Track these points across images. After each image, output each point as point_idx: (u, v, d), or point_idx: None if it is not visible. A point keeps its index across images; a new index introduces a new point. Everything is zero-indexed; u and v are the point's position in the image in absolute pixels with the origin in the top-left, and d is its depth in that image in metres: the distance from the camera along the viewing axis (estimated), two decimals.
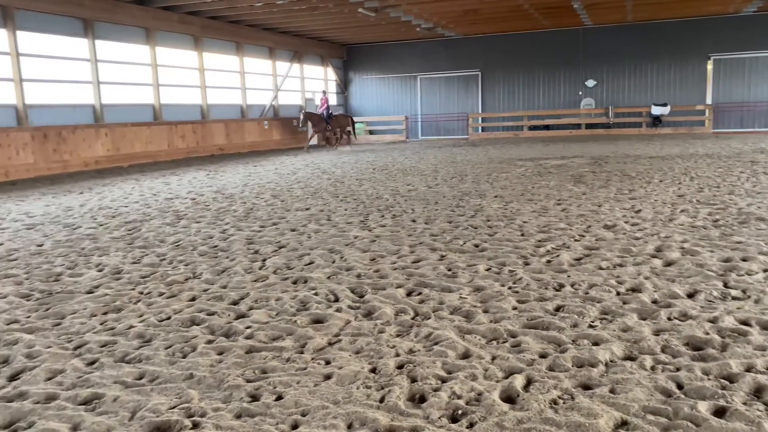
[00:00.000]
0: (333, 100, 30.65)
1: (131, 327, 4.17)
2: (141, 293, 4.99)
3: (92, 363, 3.58)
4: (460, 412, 2.81)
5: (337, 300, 4.59)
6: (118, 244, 6.97)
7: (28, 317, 4.48)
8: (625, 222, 7.13)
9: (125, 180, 14.29)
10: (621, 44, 26.78)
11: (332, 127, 24.62)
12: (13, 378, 3.43)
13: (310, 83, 28.64)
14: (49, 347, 3.84)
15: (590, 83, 27.65)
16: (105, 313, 4.51)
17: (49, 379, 3.38)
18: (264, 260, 5.92)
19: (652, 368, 3.19)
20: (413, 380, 3.16)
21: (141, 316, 4.39)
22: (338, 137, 25.09)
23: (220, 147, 22.24)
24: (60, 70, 16.46)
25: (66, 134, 16.16)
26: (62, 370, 3.47)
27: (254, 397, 3.05)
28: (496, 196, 9.53)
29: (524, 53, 28.19)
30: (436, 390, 3.02)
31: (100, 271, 5.78)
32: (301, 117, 23.72)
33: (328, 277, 5.21)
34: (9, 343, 3.96)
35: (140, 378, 3.36)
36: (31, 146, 15.22)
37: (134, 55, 18.83)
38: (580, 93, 27.88)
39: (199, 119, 21.42)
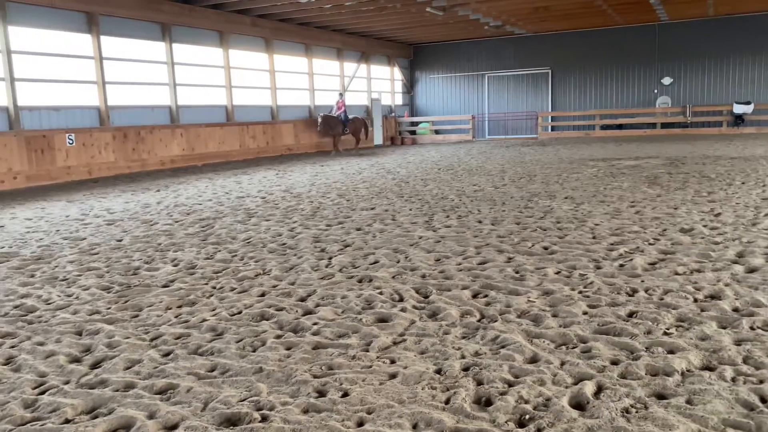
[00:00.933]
0: (398, 99, 30.72)
1: (204, 320, 4.31)
2: (213, 288, 5.15)
3: (167, 354, 3.72)
4: (527, 416, 2.76)
5: (401, 300, 4.59)
6: (193, 240, 7.23)
7: (109, 309, 4.71)
8: (704, 226, 6.82)
9: (199, 178, 14.80)
10: (700, 40, 25.61)
11: (350, 130, 23.27)
12: (94, 366, 3.62)
13: (376, 83, 28.83)
14: (128, 338, 4.02)
15: (666, 81, 26.58)
16: (179, 307, 4.68)
17: (128, 368, 3.54)
18: (330, 258, 6.00)
19: (733, 379, 3.04)
20: (479, 383, 3.13)
21: (213, 310, 4.53)
22: (356, 140, 23.95)
23: (289, 147, 22.71)
24: (139, 73, 17.21)
25: (144, 134, 16.89)
26: (139, 360, 3.62)
27: (321, 393, 3.10)
28: (566, 198, 9.31)
29: (597, 50, 27.40)
30: (502, 394, 2.98)
31: (175, 265, 6.01)
32: (319, 120, 22.28)
33: (393, 277, 5.22)
34: (91, 332, 4.17)
35: (212, 370, 3.47)
36: (112, 146, 16.00)
37: (208, 58, 19.48)
38: (656, 91, 26.84)
39: (269, 120, 21.94)
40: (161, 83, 17.77)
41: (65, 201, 11.27)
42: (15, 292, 5.24)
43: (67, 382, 3.36)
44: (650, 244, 6.05)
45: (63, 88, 15.15)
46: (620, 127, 27.30)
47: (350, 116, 23.45)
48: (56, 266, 6.16)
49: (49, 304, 4.89)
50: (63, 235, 7.83)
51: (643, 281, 4.76)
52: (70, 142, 14.90)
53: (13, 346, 3.96)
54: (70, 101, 15.24)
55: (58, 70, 15.05)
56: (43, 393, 3.25)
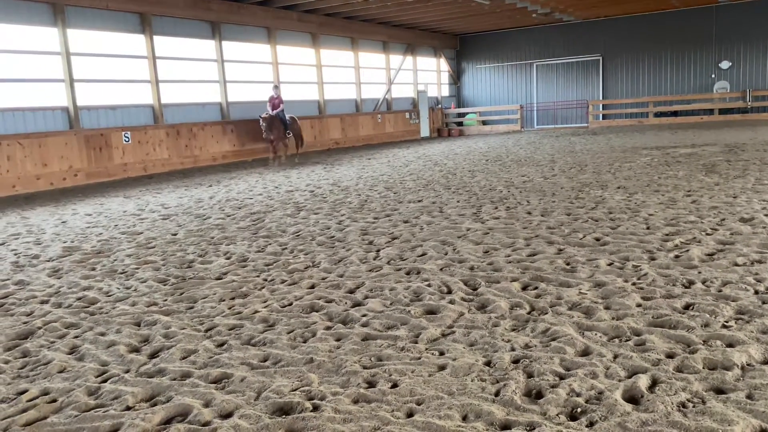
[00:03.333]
0: (445, 91, 30.49)
1: (256, 312, 4.40)
2: (265, 280, 5.26)
3: (221, 345, 3.82)
4: (579, 410, 2.72)
5: (450, 292, 4.58)
6: (244, 233, 7.38)
7: (165, 300, 4.86)
8: (765, 215, 6.55)
9: (249, 173, 15.08)
10: (760, 20, 24.49)
11: (292, 133, 18.04)
12: (153, 356, 3.75)
13: (422, 75, 28.71)
14: (183, 329, 4.15)
15: (725, 65, 25.55)
16: (232, 298, 4.79)
17: (184, 358, 3.65)
18: (378, 251, 6.03)
19: None
20: (529, 375, 3.10)
21: (265, 302, 4.63)
22: (298, 144, 18.56)
23: (336, 141, 22.88)
24: (191, 71, 17.63)
25: (196, 131, 17.31)
26: (195, 350, 3.73)
27: (370, 384, 3.13)
28: (618, 188, 9.08)
29: (650, 36, 26.54)
30: (553, 386, 2.94)
31: (227, 258, 6.16)
32: (263, 124, 17.06)
33: (441, 269, 5.21)
34: (149, 323, 4.32)
35: (265, 360, 3.55)
36: (165, 143, 16.46)
37: (257, 55, 19.78)
38: (713, 76, 25.84)
39: (316, 114, 22.14)
40: (212, 81, 18.15)
41: (122, 197, 11.66)
42: (77, 285, 5.47)
43: (127, 371, 3.50)
44: (708, 234, 5.86)
45: (119, 88, 15.66)
46: (675, 114, 26.41)
47: (287, 116, 17.96)
48: (115, 260, 6.40)
49: (109, 296, 5.08)
50: (121, 230, 8.11)
51: (700, 272, 4.62)
52: (126, 139, 15.41)
53: (76, 336, 4.14)
54: (125, 100, 15.75)
55: (114, 71, 15.55)
56: (105, 381, 3.39)
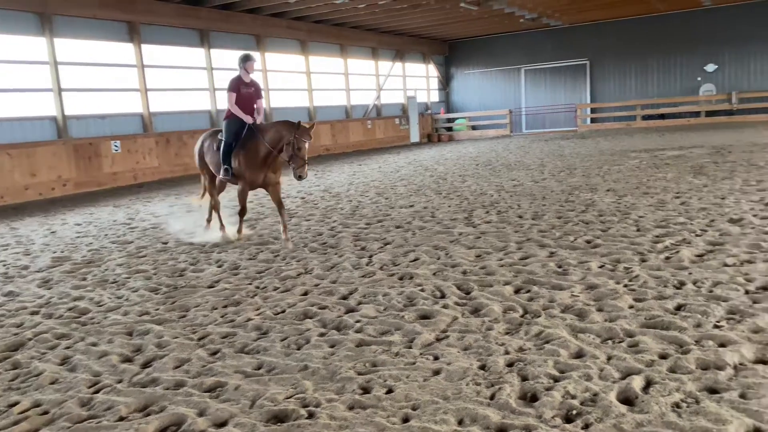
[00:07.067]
0: (434, 97, 30.58)
1: (249, 320, 4.39)
2: (257, 288, 5.24)
3: (215, 353, 3.80)
4: (574, 412, 2.73)
5: (443, 296, 4.59)
6: (236, 241, 7.34)
7: (157, 309, 4.83)
8: (754, 215, 6.61)
9: None
10: (744, 24, 24.75)
11: None
12: (145, 365, 3.72)
13: (411, 81, 28.77)
14: (176, 338, 4.12)
15: (710, 68, 25.79)
16: (225, 306, 4.77)
17: (177, 367, 3.63)
18: (371, 256, 6.03)
19: None
20: (524, 378, 3.10)
21: (258, 310, 4.61)
22: None
23: (327, 147, 22.86)
24: (180, 79, 17.57)
25: (186, 139, 17.23)
26: (188, 359, 3.71)
27: (366, 390, 3.12)
28: (608, 190, 9.13)
29: (637, 39, 26.75)
30: (548, 389, 2.95)
31: (219, 266, 6.13)
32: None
33: (434, 274, 5.22)
34: (141, 333, 4.29)
35: (259, 368, 3.53)
36: (155, 151, 16.39)
37: None
38: (699, 78, 26.06)
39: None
40: (201, 88, 18.11)
41: (112, 206, 11.60)
42: (68, 295, 5.42)
43: (120, 381, 3.47)
44: (697, 235, 5.90)
45: (107, 97, 15.59)
46: (663, 117, 26.61)
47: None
48: (106, 269, 6.36)
49: (100, 306, 5.05)
50: (111, 239, 8.06)
51: (690, 273, 4.65)
52: (116, 148, 15.32)
53: (68, 347, 4.10)
54: (114, 109, 15.67)
55: (103, 79, 15.48)
56: (97, 392, 3.36)
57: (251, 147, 6.87)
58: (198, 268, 6.10)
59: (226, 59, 18.97)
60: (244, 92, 7.11)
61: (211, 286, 5.40)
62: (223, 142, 7.09)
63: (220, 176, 7.22)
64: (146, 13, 16.10)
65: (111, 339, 4.18)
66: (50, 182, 13.84)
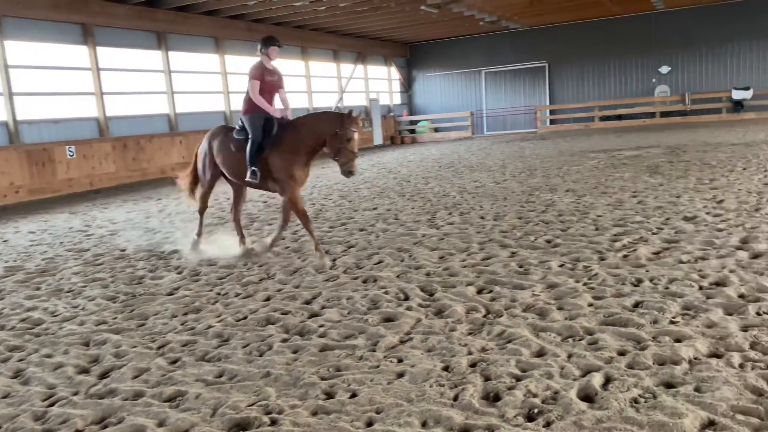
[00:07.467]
0: (396, 99, 30.68)
1: (210, 327, 4.31)
2: (218, 294, 5.16)
3: (175, 362, 3.73)
4: (536, 410, 2.76)
5: (407, 298, 4.59)
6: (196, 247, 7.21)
7: (115, 318, 4.72)
8: (707, 213, 6.80)
9: None
10: (696, 27, 25.54)
11: None
12: (103, 376, 3.62)
13: (374, 83, 28.81)
14: (135, 347, 4.03)
15: (664, 70, 26.51)
16: (185, 314, 4.69)
17: (136, 377, 3.55)
18: (334, 260, 6.00)
19: (741, 366, 3.03)
20: (487, 378, 3.13)
21: (219, 316, 4.54)
22: None
23: None
24: (136, 82, 17.22)
25: (144, 143, 16.91)
26: (147, 369, 3.63)
27: (329, 395, 3.10)
28: (567, 190, 9.29)
29: (593, 42, 27.34)
30: (510, 388, 2.98)
31: (179, 273, 6.02)
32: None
33: (398, 276, 5.22)
34: (98, 342, 4.18)
35: (220, 376, 3.47)
36: (112, 156, 16.02)
37: (205, 65, 19.47)
38: (654, 80, 26.78)
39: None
40: (159, 92, 17.78)
41: (68, 213, 11.29)
42: (21, 306, 5.25)
43: (76, 393, 3.37)
44: (654, 233, 6.04)
45: (61, 101, 15.15)
46: (620, 117, 27.24)
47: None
48: (61, 278, 6.18)
49: (55, 316, 4.90)
50: (67, 247, 7.84)
51: (647, 271, 4.76)
52: (71, 154, 14.92)
53: (21, 360, 3.97)
54: (68, 113, 15.25)
55: (56, 83, 15.05)
56: (52, 405, 3.26)
57: (290, 143, 6.08)
58: (157, 275, 5.98)
59: (185, 62, 18.69)
60: (268, 80, 6.51)
61: (170, 294, 5.30)
62: (250, 141, 6.18)
63: (247, 178, 6.20)
64: (100, 15, 15.72)
65: (66, 350, 4.06)
66: (2, 189, 13.40)
